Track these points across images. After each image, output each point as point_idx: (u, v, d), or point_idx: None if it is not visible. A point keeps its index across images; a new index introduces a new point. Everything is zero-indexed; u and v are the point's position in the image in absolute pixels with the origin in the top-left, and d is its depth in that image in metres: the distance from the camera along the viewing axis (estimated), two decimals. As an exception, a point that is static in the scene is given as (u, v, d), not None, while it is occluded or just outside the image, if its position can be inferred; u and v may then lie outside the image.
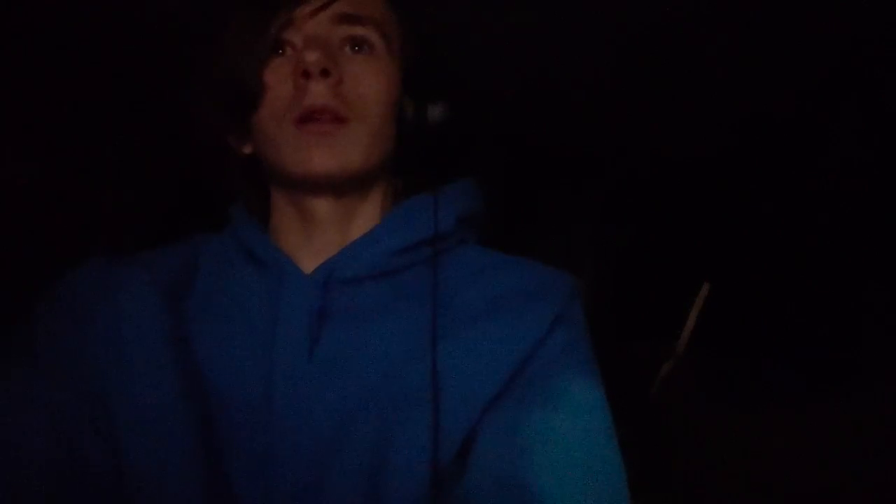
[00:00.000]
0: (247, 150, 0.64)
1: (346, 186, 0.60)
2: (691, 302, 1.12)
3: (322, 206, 0.60)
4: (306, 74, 0.56)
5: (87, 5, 0.87)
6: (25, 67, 0.91)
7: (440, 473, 0.50)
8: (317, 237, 0.61)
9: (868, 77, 0.97)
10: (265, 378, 0.54)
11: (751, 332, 1.10)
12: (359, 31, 0.60)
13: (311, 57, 0.55)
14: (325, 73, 0.56)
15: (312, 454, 0.51)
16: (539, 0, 0.89)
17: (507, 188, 0.99)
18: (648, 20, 0.91)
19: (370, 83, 0.59)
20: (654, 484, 0.95)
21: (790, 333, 1.08)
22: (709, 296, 1.12)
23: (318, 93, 0.56)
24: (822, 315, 1.07)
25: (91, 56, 0.92)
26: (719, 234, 1.13)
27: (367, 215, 0.62)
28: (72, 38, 0.91)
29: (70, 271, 0.60)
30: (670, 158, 1.11)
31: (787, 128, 1.05)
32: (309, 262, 0.59)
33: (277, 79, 0.58)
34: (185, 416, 0.51)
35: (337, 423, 0.52)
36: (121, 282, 0.58)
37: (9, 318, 0.58)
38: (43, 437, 0.52)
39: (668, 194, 1.13)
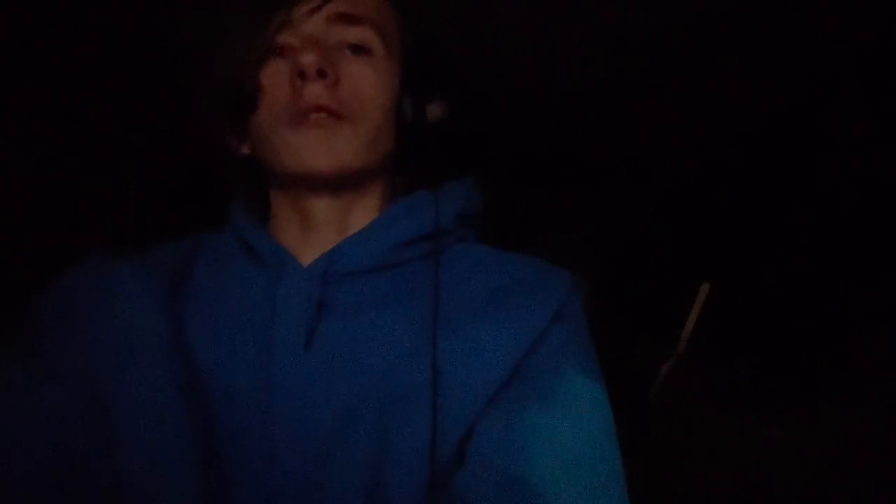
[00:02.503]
0: (245, 150, 0.64)
1: (343, 185, 0.60)
2: (691, 302, 1.12)
3: (320, 206, 0.60)
4: (302, 75, 0.56)
5: (87, 6, 0.87)
6: (25, 67, 0.91)
7: (440, 468, 0.50)
8: (315, 236, 0.61)
9: (869, 79, 0.97)
10: (264, 371, 0.54)
11: (750, 333, 1.10)
12: (356, 31, 0.59)
13: (307, 58, 0.55)
14: (321, 73, 0.56)
15: (313, 447, 0.51)
16: (542, 0, 0.89)
17: (507, 188, 0.99)
18: (651, 22, 0.91)
19: (368, 83, 0.59)
20: (654, 484, 0.95)
21: (790, 334, 1.08)
22: (709, 296, 1.13)
23: (315, 93, 0.56)
24: (821, 315, 1.07)
25: (91, 56, 0.93)
26: (720, 235, 1.13)
27: (365, 214, 0.62)
28: (72, 38, 0.91)
29: (68, 269, 0.60)
30: (671, 159, 1.11)
31: (788, 130, 1.05)
32: (307, 258, 0.59)
33: (274, 81, 0.58)
34: (183, 412, 0.51)
35: (337, 416, 0.52)
36: (119, 279, 0.58)
37: (9, 318, 0.58)
38: (42, 435, 0.52)
39: (669, 195, 1.13)
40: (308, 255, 0.59)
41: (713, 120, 1.05)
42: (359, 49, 0.59)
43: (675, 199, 1.12)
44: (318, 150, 0.57)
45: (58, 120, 0.94)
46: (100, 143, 0.96)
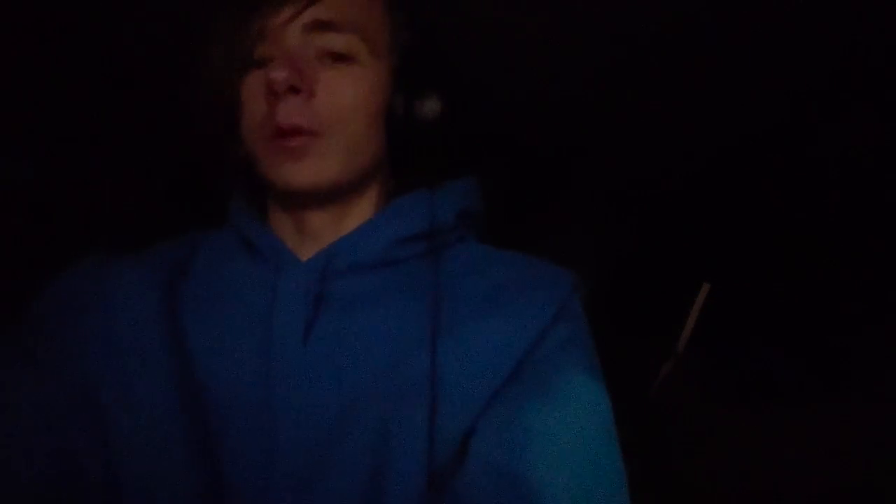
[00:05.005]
0: (242, 151, 0.63)
1: (331, 196, 0.59)
2: (691, 302, 1.12)
3: (313, 215, 0.60)
4: (274, 92, 0.55)
5: (87, 6, 0.87)
6: (25, 68, 0.91)
7: (439, 466, 0.50)
8: (311, 240, 0.61)
9: (867, 80, 0.98)
10: (262, 366, 0.53)
11: (751, 332, 1.10)
12: (335, 39, 0.57)
13: (277, 75, 0.53)
14: (293, 89, 0.55)
15: (312, 445, 0.51)
16: (541, 0, 0.89)
17: (507, 188, 0.99)
18: (651, 22, 0.91)
19: (346, 95, 0.57)
20: (654, 484, 0.95)
21: (790, 333, 1.08)
22: (708, 296, 1.13)
23: (287, 111, 0.55)
24: (821, 315, 1.07)
25: (90, 56, 0.93)
26: (719, 235, 1.13)
27: (360, 217, 0.62)
28: (71, 38, 0.91)
29: (66, 268, 0.60)
30: (671, 159, 1.11)
31: (788, 130, 1.06)
32: (306, 255, 0.59)
33: (252, 95, 0.57)
34: (181, 410, 0.51)
35: (336, 413, 0.52)
36: (116, 278, 0.58)
37: (8, 318, 0.58)
38: (38, 436, 0.51)
39: (669, 195, 1.13)
40: (306, 252, 0.59)
41: (713, 120, 1.05)
42: (340, 58, 0.57)
43: (676, 199, 1.12)
44: (296, 169, 0.56)
45: (58, 121, 0.94)
46: (99, 142, 0.96)
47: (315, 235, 0.60)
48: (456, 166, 0.65)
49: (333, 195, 0.59)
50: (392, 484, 0.50)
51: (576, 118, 1.03)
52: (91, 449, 0.51)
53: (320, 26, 0.57)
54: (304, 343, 0.54)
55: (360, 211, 0.62)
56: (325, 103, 0.56)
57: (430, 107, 0.59)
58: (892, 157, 0.99)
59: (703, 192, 1.12)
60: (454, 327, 0.55)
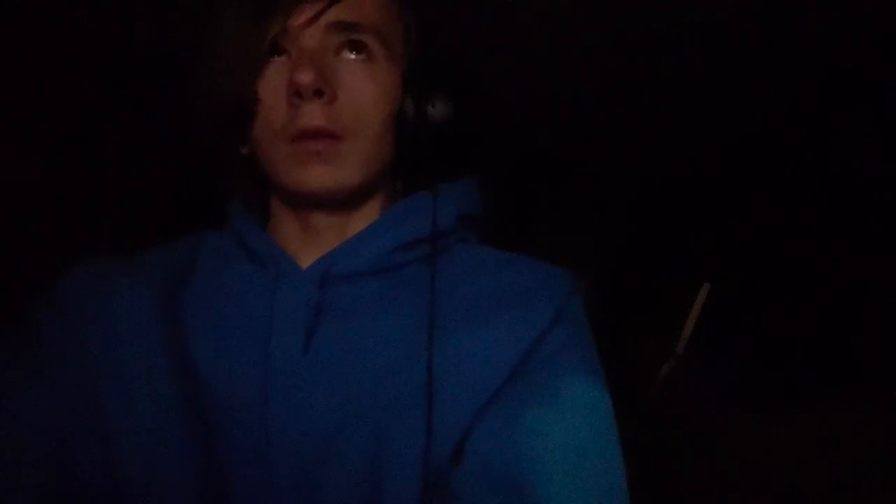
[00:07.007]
0: (245, 150, 0.63)
1: (344, 199, 0.59)
2: (691, 302, 1.12)
3: (320, 215, 0.60)
4: (299, 94, 0.55)
5: (88, 5, 0.87)
6: (25, 67, 0.91)
7: (437, 470, 0.50)
8: (315, 239, 0.61)
9: (869, 81, 0.97)
10: (261, 373, 0.54)
11: (751, 333, 1.10)
12: (355, 37, 0.58)
13: (304, 79, 0.53)
14: (318, 93, 0.55)
15: (310, 451, 0.51)
16: (542, 2, 0.89)
17: (507, 188, 0.99)
18: (650, 21, 0.91)
19: (366, 95, 0.57)
20: (654, 484, 0.95)
21: (790, 334, 1.08)
22: (709, 296, 1.13)
23: (312, 114, 0.55)
24: (822, 315, 1.07)
25: (91, 55, 0.92)
26: (720, 235, 1.13)
27: (366, 218, 0.62)
28: (72, 37, 0.91)
29: (67, 272, 0.60)
30: (671, 158, 1.11)
31: (788, 129, 1.05)
32: (307, 260, 0.59)
33: (271, 93, 0.57)
34: (180, 417, 0.51)
35: (334, 419, 0.52)
36: (117, 282, 0.57)
37: (8, 320, 0.57)
38: (38, 439, 0.51)
39: (669, 194, 1.13)
40: (307, 256, 0.59)
41: (714, 120, 1.05)
42: (359, 52, 0.58)
43: (676, 199, 1.12)
44: (316, 169, 0.56)
45: (58, 121, 0.94)
46: (99, 142, 0.96)
47: (319, 237, 0.60)
48: (457, 167, 0.65)
49: (346, 199, 0.59)
50: (390, 488, 0.50)
51: (576, 118, 1.03)
52: (91, 453, 0.51)
53: (341, 27, 0.57)
54: (303, 353, 0.54)
55: (366, 213, 0.62)
56: (347, 105, 0.56)
57: (441, 109, 0.59)
58: (894, 157, 0.99)
59: (703, 191, 1.12)
60: (453, 331, 0.55)
